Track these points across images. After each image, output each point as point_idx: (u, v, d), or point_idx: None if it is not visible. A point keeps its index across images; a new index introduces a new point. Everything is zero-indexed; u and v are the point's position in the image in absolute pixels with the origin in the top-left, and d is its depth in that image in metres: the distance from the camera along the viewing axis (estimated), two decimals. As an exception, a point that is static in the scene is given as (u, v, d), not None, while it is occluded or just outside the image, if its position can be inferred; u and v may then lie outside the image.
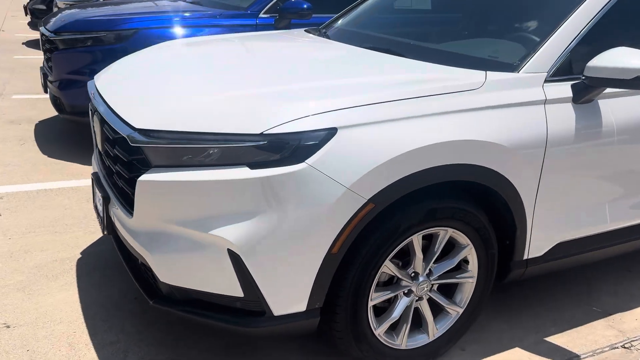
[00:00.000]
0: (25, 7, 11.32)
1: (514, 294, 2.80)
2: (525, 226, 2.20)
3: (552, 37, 2.20)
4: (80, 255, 2.90)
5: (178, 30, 4.10)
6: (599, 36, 2.27)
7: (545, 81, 2.15)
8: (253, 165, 1.74)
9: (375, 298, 2.02)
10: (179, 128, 1.80)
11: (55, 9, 7.79)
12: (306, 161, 1.72)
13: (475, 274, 2.20)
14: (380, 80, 2.05)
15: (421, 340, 2.20)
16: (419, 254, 2.04)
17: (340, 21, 3.29)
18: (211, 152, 1.76)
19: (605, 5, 2.26)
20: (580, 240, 2.43)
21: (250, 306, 1.85)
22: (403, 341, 2.14)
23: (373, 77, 2.12)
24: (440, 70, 2.17)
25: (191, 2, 4.94)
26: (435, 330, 2.21)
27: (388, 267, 1.98)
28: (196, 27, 4.16)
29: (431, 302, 2.19)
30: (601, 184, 2.33)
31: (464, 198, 2.06)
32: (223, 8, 4.61)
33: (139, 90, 2.20)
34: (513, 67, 2.16)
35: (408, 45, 2.60)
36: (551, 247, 2.34)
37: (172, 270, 1.87)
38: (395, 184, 1.82)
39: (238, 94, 1.96)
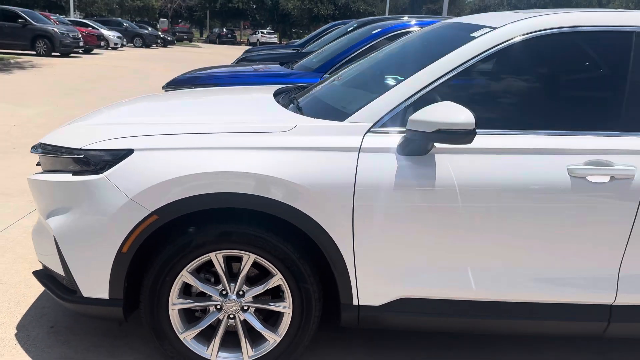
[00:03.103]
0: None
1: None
2: (345, 270, 2.25)
3: (386, 93, 2.29)
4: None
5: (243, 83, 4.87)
6: (445, 95, 2.26)
7: (369, 131, 2.23)
8: (75, 173, 2.27)
9: (178, 303, 2.32)
10: (47, 142, 2.44)
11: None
12: (104, 173, 2.19)
13: (291, 306, 2.32)
14: (206, 119, 2.43)
15: (234, 358, 2.38)
16: (220, 273, 2.29)
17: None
18: (57, 160, 2.35)
19: (450, 70, 2.26)
20: (438, 302, 2.33)
21: (69, 285, 2.34)
22: (213, 353, 2.37)
23: (210, 116, 2.50)
24: (278, 116, 2.44)
25: (284, 66, 5.70)
26: (250, 352, 2.37)
27: (187, 278, 2.28)
28: (260, 83, 4.84)
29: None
30: (446, 244, 2.24)
31: (267, 226, 2.24)
32: (303, 70, 5.25)
33: (78, 119, 2.91)
34: (344, 117, 2.30)
35: (305, 98, 2.83)
36: (392, 300, 2.32)
37: (37, 248, 2.48)
38: (179, 202, 2.15)
39: (103, 121, 2.53)
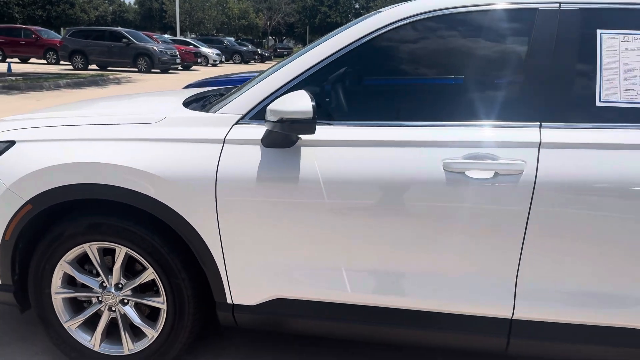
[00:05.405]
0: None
1: None
2: (214, 266, 2.18)
3: (259, 83, 2.21)
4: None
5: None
6: (316, 85, 2.14)
7: (238, 123, 2.16)
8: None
9: (61, 292, 2.36)
10: None
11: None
12: (-10, 164, 2.30)
13: (165, 301, 2.28)
14: (88, 112, 2.47)
15: (117, 350, 2.39)
16: (95, 264, 2.31)
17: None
18: None
19: (324, 59, 2.15)
20: (316, 304, 2.19)
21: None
22: (96, 343, 2.38)
23: (95, 110, 2.54)
24: (158, 108, 2.42)
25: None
26: (131, 345, 2.36)
27: (66, 268, 2.32)
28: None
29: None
30: (314, 242, 2.09)
31: (134, 219, 2.22)
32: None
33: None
34: (218, 108, 2.24)
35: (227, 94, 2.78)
36: (267, 300, 2.21)
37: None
38: (49, 192, 2.20)
39: (14, 117, 2.65)
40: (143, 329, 2.34)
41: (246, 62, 35.49)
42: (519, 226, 1.96)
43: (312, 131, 1.94)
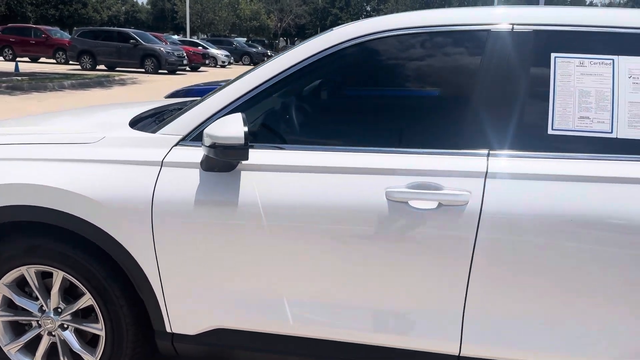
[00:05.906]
0: None
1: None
2: (152, 293, 2.10)
3: (203, 102, 2.13)
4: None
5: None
6: (258, 106, 2.05)
7: (178, 144, 2.07)
8: None
9: (0, 315, 2.29)
10: None
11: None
12: None
13: (103, 328, 2.20)
14: (28, 130, 2.41)
15: (57, 376, 2.31)
16: (33, 288, 2.23)
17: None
18: None
19: (269, 79, 2.06)
20: (257, 335, 2.10)
21: None
22: (36, 368, 2.31)
23: (37, 127, 2.47)
24: (99, 127, 2.33)
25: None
26: (70, 372, 2.29)
27: (2, 291, 2.25)
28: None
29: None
30: (255, 271, 2.00)
31: (72, 243, 2.13)
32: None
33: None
34: (160, 128, 2.16)
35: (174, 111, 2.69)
36: (207, 329, 2.12)
37: None
38: (-17, 214, 2.13)
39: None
40: (82, 355, 2.27)
41: (255, 64, 35.48)
42: (464, 260, 1.86)
43: (245, 157, 1.85)
